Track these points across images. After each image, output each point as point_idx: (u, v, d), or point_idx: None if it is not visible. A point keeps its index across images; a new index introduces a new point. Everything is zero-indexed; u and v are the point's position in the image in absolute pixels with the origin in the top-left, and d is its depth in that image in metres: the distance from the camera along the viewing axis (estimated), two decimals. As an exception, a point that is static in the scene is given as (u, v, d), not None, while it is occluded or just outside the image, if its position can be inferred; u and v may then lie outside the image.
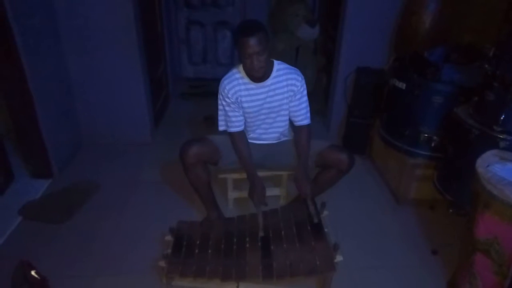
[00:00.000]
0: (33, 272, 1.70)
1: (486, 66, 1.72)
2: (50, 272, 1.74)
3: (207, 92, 4.03)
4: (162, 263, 1.68)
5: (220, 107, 1.90)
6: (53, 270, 1.78)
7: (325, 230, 1.77)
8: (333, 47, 3.19)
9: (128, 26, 2.62)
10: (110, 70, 2.74)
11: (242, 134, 1.94)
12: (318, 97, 3.66)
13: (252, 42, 1.61)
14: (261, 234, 1.75)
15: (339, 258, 1.63)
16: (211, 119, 3.36)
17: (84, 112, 2.88)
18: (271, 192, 2.21)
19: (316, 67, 3.82)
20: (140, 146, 2.99)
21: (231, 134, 1.93)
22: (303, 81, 1.86)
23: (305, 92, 1.89)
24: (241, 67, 1.81)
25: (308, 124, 1.94)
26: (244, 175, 2.15)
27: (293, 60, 3.72)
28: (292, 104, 1.88)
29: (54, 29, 2.54)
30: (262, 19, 3.89)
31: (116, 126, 2.95)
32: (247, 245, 1.73)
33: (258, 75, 1.74)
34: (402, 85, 2.22)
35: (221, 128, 1.95)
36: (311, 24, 3.59)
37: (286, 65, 1.86)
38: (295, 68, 1.88)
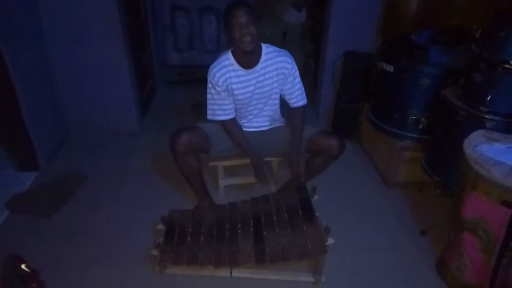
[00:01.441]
0: (23, 266, 1.67)
1: (473, 47, 1.73)
2: (42, 265, 1.71)
3: (194, 79, 3.98)
4: (155, 252, 1.68)
5: (209, 95, 1.87)
6: (44, 263, 1.75)
7: (316, 214, 1.78)
8: (321, 31, 3.17)
9: (111, 12, 2.55)
10: (94, 58, 2.67)
11: (234, 120, 1.93)
12: (306, 82, 3.63)
13: (242, 12, 1.61)
14: (263, 220, 1.76)
15: (330, 241, 1.65)
16: (199, 107, 3.32)
17: (70, 102, 2.81)
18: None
19: (304, 52, 3.79)
20: (128, 136, 2.95)
21: (222, 122, 1.91)
22: (294, 62, 1.84)
23: (297, 73, 1.87)
24: (230, 54, 1.78)
25: (304, 105, 1.93)
26: (235, 162, 2.15)
27: (280, 45, 3.66)
28: (286, 87, 1.87)
29: (35, 17, 2.46)
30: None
31: (102, 115, 2.90)
32: (239, 231, 1.73)
33: (249, 49, 1.69)
34: (390, 68, 2.22)
35: (209, 117, 1.93)
36: (298, 8, 3.55)
37: (275, 48, 1.84)
38: (284, 50, 1.86)
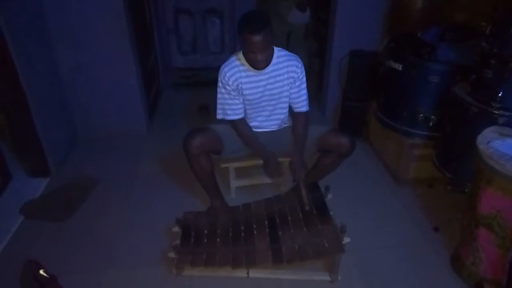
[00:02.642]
0: (41, 271, 1.69)
1: (483, 44, 1.74)
2: (58, 270, 1.74)
3: (199, 81, 3.99)
4: (172, 254, 1.68)
5: (219, 95, 1.89)
6: (60, 267, 1.77)
7: (331, 213, 1.79)
8: (325, 31, 3.18)
9: (118, 17, 2.56)
10: (102, 63, 2.69)
11: (243, 120, 1.94)
12: (311, 82, 3.65)
13: (258, 39, 1.61)
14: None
15: (346, 240, 1.66)
16: (206, 109, 3.35)
17: (78, 107, 2.83)
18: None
19: (308, 52, 3.80)
20: (136, 139, 2.96)
21: (232, 122, 1.92)
22: (303, 68, 1.86)
23: (305, 79, 1.89)
24: (241, 55, 1.79)
25: (307, 111, 1.95)
26: (246, 163, 2.16)
27: (284, 46, 3.68)
28: (292, 91, 1.89)
29: (43, 23, 2.47)
30: (252, 5, 3.85)
31: (111, 119, 2.91)
32: (255, 232, 1.74)
33: (260, 68, 1.74)
34: (398, 66, 2.23)
35: (219, 117, 1.95)
36: (301, 9, 3.55)
37: (286, 52, 1.86)
38: (295, 55, 1.88)
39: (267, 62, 1.75)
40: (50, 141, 2.47)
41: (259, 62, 1.70)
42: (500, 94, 1.70)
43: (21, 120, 2.31)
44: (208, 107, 3.34)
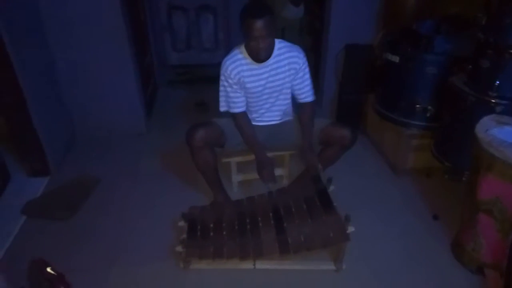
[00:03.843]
0: (48, 269, 1.69)
1: (480, 34, 1.78)
2: (63, 268, 1.73)
3: (194, 78, 3.99)
4: (179, 248, 1.70)
5: (221, 88, 1.90)
6: (66, 266, 1.76)
7: (334, 204, 1.82)
8: (320, 25, 3.21)
9: (115, 15, 2.55)
10: (99, 62, 2.67)
11: (244, 114, 1.96)
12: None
13: (260, 25, 1.62)
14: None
15: (351, 228, 1.68)
16: (203, 105, 3.36)
17: (76, 106, 2.81)
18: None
19: (302, 47, 3.82)
20: (135, 137, 2.96)
21: (233, 115, 1.94)
22: (305, 58, 1.88)
23: (307, 69, 1.91)
24: (243, 48, 1.81)
25: (312, 101, 1.97)
26: (248, 158, 2.17)
27: (279, 41, 3.71)
28: (295, 82, 1.91)
29: (40, 23, 2.46)
30: (245, 1, 3.85)
31: (109, 118, 2.90)
32: (260, 224, 1.76)
33: (262, 58, 1.75)
34: (395, 59, 2.26)
35: (222, 109, 1.96)
36: (295, 4, 3.58)
37: (287, 43, 1.88)
38: (296, 46, 1.89)
39: (269, 51, 1.76)
40: (49, 140, 2.46)
41: (260, 50, 1.70)
42: (497, 83, 1.75)
43: (20, 120, 2.30)
44: (205, 103, 3.36)
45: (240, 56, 1.82)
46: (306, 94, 1.94)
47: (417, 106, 2.24)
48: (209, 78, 3.58)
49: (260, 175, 1.92)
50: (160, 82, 3.92)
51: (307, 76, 1.92)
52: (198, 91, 3.63)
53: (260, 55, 1.73)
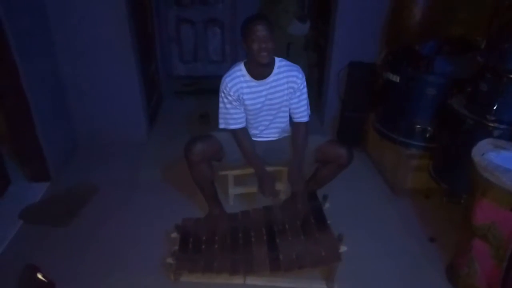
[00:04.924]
0: (39, 275, 1.70)
1: (479, 57, 1.78)
2: (56, 276, 1.74)
3: (200, 90, 4.03)
4: (170, 260, 1.70)
5: (221, 104, 1.92)
6: (58, 273, 1.78)
7: (328, 222, 1.81)
8: (325, 42, 3.23)
9: (121, 25, 2.61)
10: (104, 70, 2.73)
11: (244, 130, 1.97)
12: (310, 92, 3.69)
13: (261, 26, 1.68)
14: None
15: (343, 248, 1.67)
16: (207, 117, 3.38)
17: (79, 113, 2.86)
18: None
19: (307, 63, 3.85)
20: (137, 146, 2.98)
21: (233, 131, 1.95)
22: (304, 79, 1.90)
23: (305, 89, 1.93)
24: (242, 65, 1.83)
25: (306, 122, 1.97)
26: (245, 171, 2.18)
27: (284, 57, 3.73)
28: (292, 101, 1.92)
29: (46, 30, 2.52)
30: (252, 15, 3.91)
31: (111, 126, 2.94)
32: (253, 239, 1.76)
33: (265, 62, 1.75)
34: (396, 78, 2.27)
35: (221, 126, 1.97)
36: (302, 20, 3.62)
37: (287, 62, 1.90)
38: (297, 66, 1.91)
39: (270, 58, 1.76)
40: (50, 146, 2.49)
41: (262, 50, 1.71)
42: (495, 107, 1.74)
43: (22, 125, 2.34)
44: (209, 115, 3.38)
45: (239, 73, 1.84)
46: (301, 114, 1.95)
47: (417, 126, 2.24)
48: (215, 90, 3.59)
49: (261, 190, 1.92)
50: (167, 93, 3.97)
51: (304, 96, 1.93)
52: (203, 103, 3.66)
53: (262, 57, 1.73)
